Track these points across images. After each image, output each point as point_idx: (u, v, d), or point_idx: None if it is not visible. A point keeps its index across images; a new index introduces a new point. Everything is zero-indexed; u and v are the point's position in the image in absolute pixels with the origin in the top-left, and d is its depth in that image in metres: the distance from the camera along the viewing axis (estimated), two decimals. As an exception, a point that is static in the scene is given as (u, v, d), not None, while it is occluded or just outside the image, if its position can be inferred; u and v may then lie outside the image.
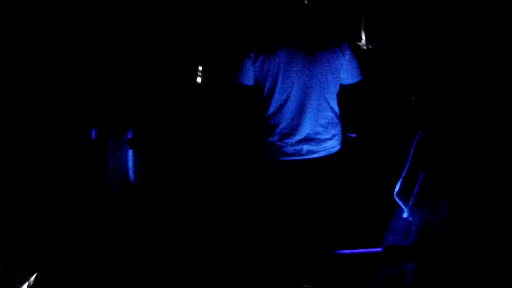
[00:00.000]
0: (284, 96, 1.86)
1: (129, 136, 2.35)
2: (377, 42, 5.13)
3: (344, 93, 1.99)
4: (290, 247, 2.04)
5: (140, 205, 2.34)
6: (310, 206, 1.98)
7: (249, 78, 1.89)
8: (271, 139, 1.92)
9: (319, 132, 1.89)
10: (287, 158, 1.89)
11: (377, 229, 2.14)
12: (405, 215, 1.67)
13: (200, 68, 4.53)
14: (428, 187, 1.52)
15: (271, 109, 1.89)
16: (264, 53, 1.85)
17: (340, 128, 2.00)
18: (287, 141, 1.88)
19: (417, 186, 1.58)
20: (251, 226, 2.32)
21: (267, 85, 1.87)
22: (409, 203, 1.62)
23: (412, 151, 1.64)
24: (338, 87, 1.94)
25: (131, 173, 2.27)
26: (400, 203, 1.69)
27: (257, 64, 1.86)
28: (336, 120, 1.96)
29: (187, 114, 3.87)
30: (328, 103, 1.91)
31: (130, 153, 2.27)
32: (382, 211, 2.07)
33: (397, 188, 1.67)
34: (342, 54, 1.89)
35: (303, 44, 1.86)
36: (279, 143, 1.89)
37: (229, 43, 5.68)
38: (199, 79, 4.45)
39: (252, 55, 1.87)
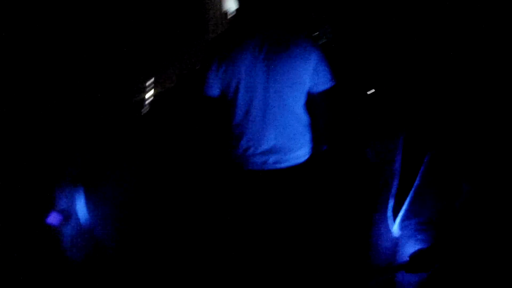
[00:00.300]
0: (246, 107, 1.80)
1: (76, 172, 2.03)
2: (332, 35, 5.08)
3: (314, 101, 1.88)
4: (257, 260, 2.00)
5: (99, 251, 2.05)
6: (279, 217, 1.93)
7: (214, 88, 1.84)
8: (237, 150, 1.87)
9: (285, 142, 1.83)
10: (254, 168, 1.85)
11: (348, 241, 2.13)
12: (394, 228, 1.52)
13: (149, 82, 4.29)
14: (432, 182, 1.38)
15: (235, 120, 1.84)
16: (225, 62, 1.78)
17: (309, 137, 1.92)
18: (252, 152, 1.84)
19: (413, 190, 1.43)
20: (220, 241, 2.22)
21: (230, 95, 1.82)
22: (402, 214, 1.47)
23: (399, 159, 1.48)
24: (305, 95, 1.85)
25: (82, 215, 1.97)
26: (390, 217, 1.54)
27: (220, 73, 1.80)
28: (303, 129, 1.89)
29: (143, 133, 3.64)
30: (293, 113, 1.83)
31: (80, 191, 1.96)
32: (356, 222, 2.00)
33: (391, 203, 1.51)
34: (308, 59, 1.78)
35: (264, 51, 1.76)
36: (245, 154, 1.85)
37: (181, 53, 5.47)
38: (149, 94, 4.22)
39: (215, 65, 1.80)
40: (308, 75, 1.80)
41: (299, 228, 1.99)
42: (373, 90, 3.58)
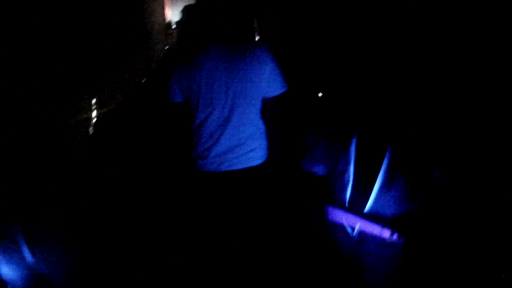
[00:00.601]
0: (206, 112, 1.91)
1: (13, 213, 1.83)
2: (272, 38, 5.11)
3: (268, 106, 1.95)
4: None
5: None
6: (233, 216, 2.03)
7: (177, 95, 1.94)
8: (195, 152, 1.98)
9: (239, 146, 1.93)
10: (210, 170, 1.95)
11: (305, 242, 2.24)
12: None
13: (93, 101, 4.11)
14: (398, 175, 1.36)
15: (195, 124, 1.95)
16: (186, 72, 1.88)
17: (263, 142, 2.00)
18: (208, 154, 1.94)
19: (379, 188, 1.39)
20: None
21: (192, 102, 1.93)
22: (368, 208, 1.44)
23: (354, 152, 1.45)
24: (260, 101, 1.94)
25: (27, 254, 1.79)
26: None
27: (182, 82, 1.90)
28: (257, 134, 1.97)
29: (91, 155, 3.46)
30: (248, 118, 1.92)
31: (19, 234, 1.77)
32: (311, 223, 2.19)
33: (348, 195, 1.48)
34: (262, 67, 1.86)
35: (222, 60, 1.86)
36: (202, 156, 1.96)
37: (122, 69, 5.28)
38: (93, 114, 4.04)
39: (177, 75, 1.90)
40: (263, 82, 1.87)
41: (251, 228, 2.06)
42: (321, 94, 3.60)
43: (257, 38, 5.46)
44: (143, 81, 6.25)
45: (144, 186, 2.97)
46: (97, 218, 2.55)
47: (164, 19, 7.75)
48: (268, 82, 1.88)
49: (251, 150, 1.95)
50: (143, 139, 3.64)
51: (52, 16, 2.93)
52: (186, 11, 2.96)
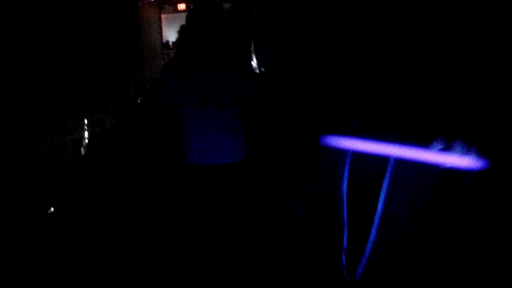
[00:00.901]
0: (192, 116, 2.17)
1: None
2: (268, 63, 5.12)
3: (247, 107, 2.20)
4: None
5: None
6: (219, 205, 2.25)
7: (168, 102, 2.17)
8: (185, 149, 2.25)
9: (220, 144, 2.17)
10: (196, 164, 2.20)
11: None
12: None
13: (86, 121, 4.05)
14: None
15: (183, 125, 2.21)
16: (177, 79, 2.13)
17: (242, 140, 2.24)
18: (193, 150, 2.20)
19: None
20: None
21: (181, 106, 2.18)
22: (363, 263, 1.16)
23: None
24: (238, 104, 2.20)
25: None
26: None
27: (173, 89, 2.14)
28: (237, 133, 2.22)
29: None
30: (227, 119, 2.17)
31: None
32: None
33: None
34: (240, 70, 2.15)
35: (206, 69, 2.11)
36: (187, 152, 2.22)
37: (117, 88, 5.24)
38: (85, 134, 3.98)
39: (169, 83, 2.13)
40: (241, 87, 2.15)
41: (231, 216, 2.27)
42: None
43: (254, 61, 5.49)
44: (138, 101, 6.19)
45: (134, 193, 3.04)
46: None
47: (161, 39, 7.76)
48: (245, 85, 2.17)
49: (231, 148, 2.21)
50: (137, 157, 3.60)
51: (45, 35, 2.89)
52: (182, 31, 2.99)
